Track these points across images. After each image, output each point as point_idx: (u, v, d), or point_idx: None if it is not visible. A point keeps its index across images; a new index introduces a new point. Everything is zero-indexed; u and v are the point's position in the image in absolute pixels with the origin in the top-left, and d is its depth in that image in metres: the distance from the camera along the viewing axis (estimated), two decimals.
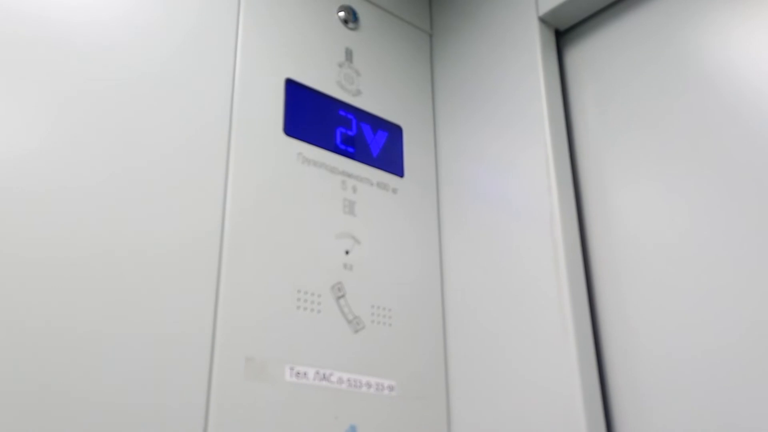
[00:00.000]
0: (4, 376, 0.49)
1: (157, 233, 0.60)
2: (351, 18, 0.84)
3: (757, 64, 0.64)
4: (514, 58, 0.81)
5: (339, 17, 0.83)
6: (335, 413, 0.64)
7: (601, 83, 0.77)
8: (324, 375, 0.65)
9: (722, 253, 0.62)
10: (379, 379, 0.69)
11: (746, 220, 0.61)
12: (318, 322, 0.67)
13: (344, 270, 0.71)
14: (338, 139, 0.77)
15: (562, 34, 0.83)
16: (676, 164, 0.67)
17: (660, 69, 0.71)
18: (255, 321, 0.63)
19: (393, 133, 0.83)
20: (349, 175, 0.76)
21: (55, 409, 0.50)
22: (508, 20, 0.83)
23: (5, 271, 0.51)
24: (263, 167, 0.69)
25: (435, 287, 0.79)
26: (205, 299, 0.61)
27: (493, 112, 0.82)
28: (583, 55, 0.81)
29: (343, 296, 0.70)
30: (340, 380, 0.66)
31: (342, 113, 0.79)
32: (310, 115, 0.75)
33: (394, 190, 0.80)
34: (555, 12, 0.79)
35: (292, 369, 0.63)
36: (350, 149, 0.78)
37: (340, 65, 0.81)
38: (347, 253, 0.72)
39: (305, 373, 0.64)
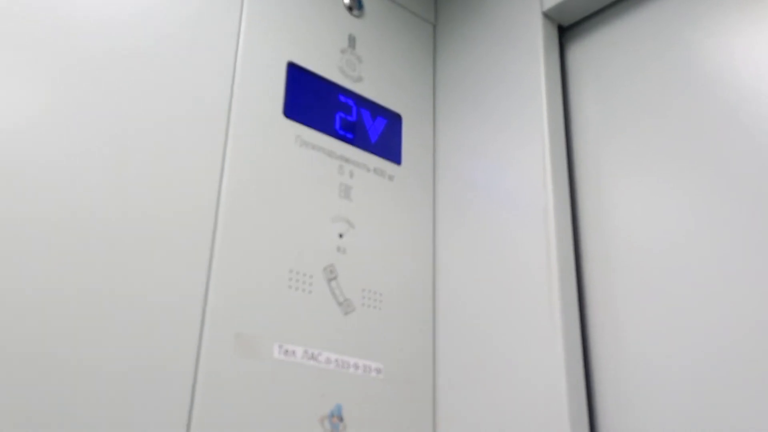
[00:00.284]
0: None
1: (153, 207, 0.60)
2: (356, 5, 0.85)
3: (759, 67, 0.64)
4: (516, 52, 0.81)
5: (344, 4, 0.84)
6: (322, 392, 0.65)
7: (602, 80, 0.78)
8: (312, 354, 0.66)
9: (715, 253, 0.62)
10: (367, 362, 0.70)
11: (741, 220, 0.61)
12: (309, 302, 0.68)
13: (337, 253, 0.72)
14: (337, 124, 0.77)
15: (566, 30, 0.83)
16: (672, 163, 0.67)
17: (661, 69, 0.71)
18: (246, 298, 0.63)
19: (392, 120, 0.84)
20: (347, 160, 0.77)
21: (43, 370, 0.51)
22: (512, 14, 0.84)
23: (2, 232, 0.52)
24: (261, 147, 0.70)
25: (427, 274, 0.80)
26: (197, 274, 0.61)
27: (492, 105, 0.82)
28: (585, 51, 0.81)
29: (334, 278, 0.71)
30: (328, 360, 0.67)
31: (342, 99, 0.79)
32: (311, 98, 0.76)
33: (391, 177, 0.80)
34: (559, 7, 0.79)
35: (280, 347, 0.64)
36: (349, 134, 0.78)
37: (343, 51, 0.81)
38: (341, 236, 0.73)
39: (294, 352, 0.65)
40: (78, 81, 0.60)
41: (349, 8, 0.84)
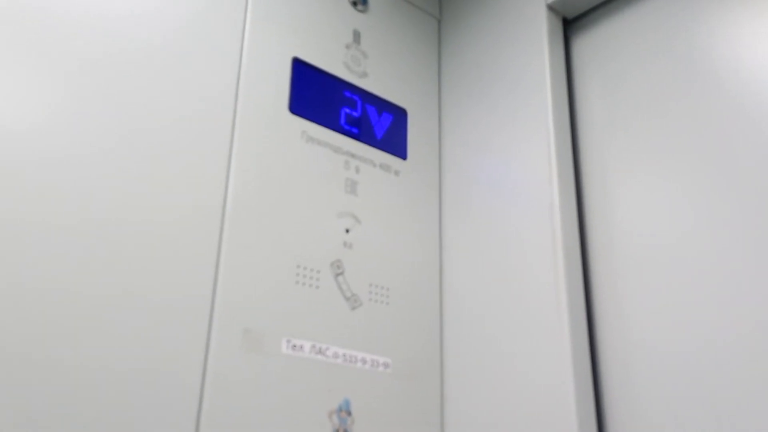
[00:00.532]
0: (6, 329, 0.50)
1: (160, 204, 0.61)
2: (360, 0, 0.85)
3: (764, 60, 0.63)
4: (521, 46, 0.81)
5: None
6: (330, 386, 0.65)
7: (606, 73, 0.77)
8: (320, 349, 0.66)
9: (721, 248, 0.62)
10: (375, 356, 0.70)
11: (747, 216, 0.61)
12: (316, 297, 0.68)
13: (344, 248, 0.72)
14: (343, 120, 0.78)
15: (570, 23, 0.83)
16: (678, 158, 0.67)
17: (666, 62, 0.71)
18: (254, 293, 0.64)
19: (398, 116, 0.84)
20: (353, 155, 0.77)
21: (49, 369, 0.52)
22: (516, 7, 0.84)
23: (12, 231, 0.53)
24: (267, 143, 0.70)
25: (433, 269, 0.80)
26: (205, 270, 0.61)
27: (498, 99, 0.82)
28: (589, 44, 0.81)
29: (341, 273, 0.71)
30: (335, 355, 0.67)
31: (347, 94, 0.79)
32: (316, 94, 0.76)
33: (397, 173, 0.81)
34: (563, 0, 0.79)
35: (288, 342, 0.64)
36: (354, 130, 0.78)
37: (348, 47, 0.81)
38: (347, 231, 0.73)
39: (301, 347, 0.65)
40: (83, 78, 0.60)
41: (354, 3, 0.84)
